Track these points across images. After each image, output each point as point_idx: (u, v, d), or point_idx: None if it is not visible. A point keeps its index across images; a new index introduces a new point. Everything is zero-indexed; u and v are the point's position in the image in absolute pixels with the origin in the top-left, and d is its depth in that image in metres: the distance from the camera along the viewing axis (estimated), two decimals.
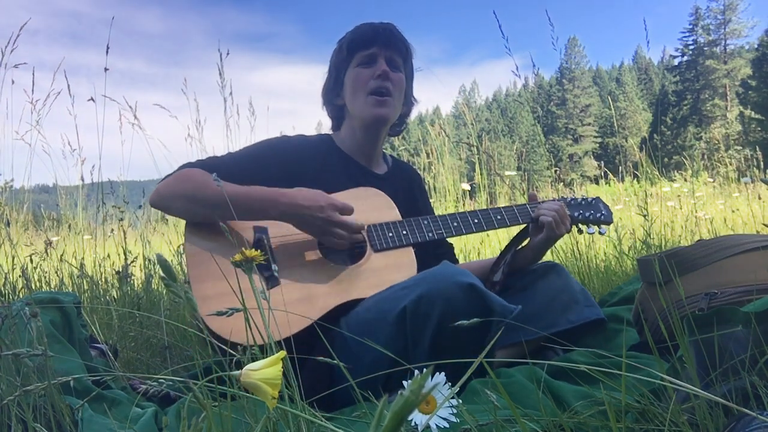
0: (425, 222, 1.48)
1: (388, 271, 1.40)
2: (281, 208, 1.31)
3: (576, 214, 1.62)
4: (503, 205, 1.59)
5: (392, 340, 1.15)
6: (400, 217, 1.48)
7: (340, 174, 1.53)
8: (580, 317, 1.47)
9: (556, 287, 1.51)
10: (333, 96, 1.61)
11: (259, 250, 0.77)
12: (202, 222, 1.38)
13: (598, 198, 1.69)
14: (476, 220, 1.52)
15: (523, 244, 1.59)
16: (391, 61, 1.55)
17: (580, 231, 1.66)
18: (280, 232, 1.40)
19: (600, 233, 1.65)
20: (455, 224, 1.50)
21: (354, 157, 1.60)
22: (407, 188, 1.69)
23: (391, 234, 1.44)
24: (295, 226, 1.35)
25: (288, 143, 1.54)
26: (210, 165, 1.42)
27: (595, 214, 1.63)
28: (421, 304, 1.14)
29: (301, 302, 1.29)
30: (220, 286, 1.25)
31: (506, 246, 1.61)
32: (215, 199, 1.27)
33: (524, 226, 1.59)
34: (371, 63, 1.53)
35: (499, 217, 1.56)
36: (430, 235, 1.46)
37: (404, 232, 1.45)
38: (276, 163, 1.47)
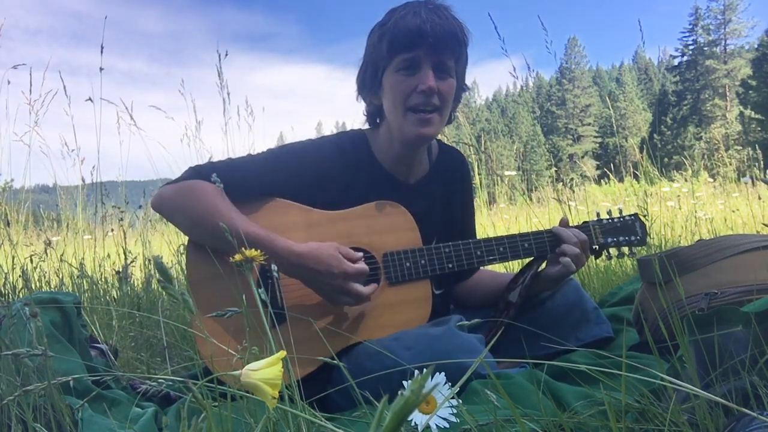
0: (446, 250, 1.38)
1: (400, 308, 1.34)
2: (288, 266, 1.22)
3: (609, 240, 1.51)
4: (533, 231, 1.48)
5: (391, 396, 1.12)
6: (420, 241, 1.39)
7: (369, 190, 1.40)
8: (588, 335, 1.42)
9: (569, 304, 1.45)
10: (369, 93, 1.42)
11: (263, 256, 0.76)
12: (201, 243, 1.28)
13: (635, 216, 1.55)
14: (501, 249, 1.43)
15: (542, 267, 1.49)
16: (440, 66, 1.32)
17: (609, 257, 1.54)
18: None
19: (629, 256, 1.53)
20: (478, 253, 1.41)
21: (388, 167, 1.44)
22: (446, 189, 1.54)
23: (408, 264, 1.35)
24: (303, 283, 1.27)
25: (317, 154, 1.38)
26: (224, 169, 1.29)
27: (629, 238, 1.52)
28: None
29: (308, 342, 1.24)
30: (225, 320, 1.19)
31: (526, 265, 1.50)
32: (220, 231, 1.12)
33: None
34: (414, 70, 1.31)
35: (526, 245, 1.45)
36: (450, 266, 1.38)
37: (422, 262, 1.36)
38: (300, 175, 1.35)
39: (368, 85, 1.40)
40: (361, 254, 1.28)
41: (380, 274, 1.36)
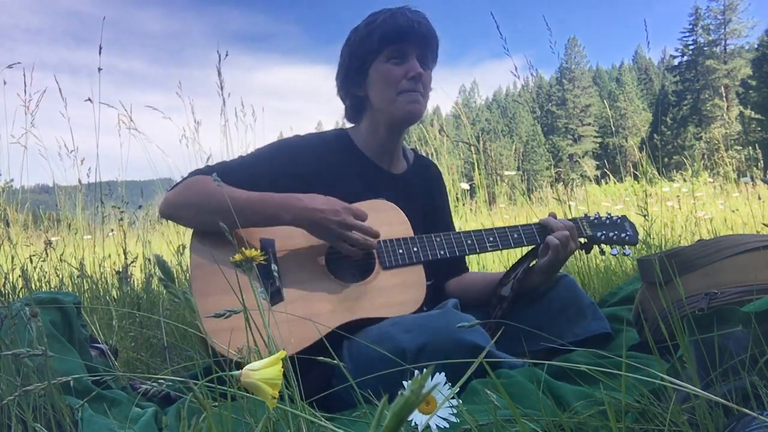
0: (437, 239, 1.43)
1: (396, 290, 1.37)
2: (295, 212, 1.29)
3: (599, 234, 1.55)
4: (521, 224, 1.51)
5: (393, 382, 1.12)
6: (411, 233, 1.44)
7: (357, 180, 1.48)
8: (585, 331, 1.44)
9: (565, 300, 1.47)
10: (353, 86, 1.52)
11: (261, 253, 0.77)
12: (212, 231, 1.31)
13: (624, 217, 1.62)
14: (491, 239, 1.47)
15: (533, 262, 1.51)
16: (423, 58, 1.48)
17: (602, 252, 1.57)
18: (288, 245, 1.35)
19: (624, 254, 1.57)
20: (469, 242, 1.46)
21: (372, 157, 1.54)
22: (426, 188, 1.64)
23: (401, 251, 1.40)
24: (309, 231, 1.32)
25: (303, 148, 1.47)
26: (219, 171, 1.34)
27: (620, 235, 1.55)
28: (422, 355, 1.11)
29: (304, 320, 1.26)
30: (224, 301, 1.23)
31: (518, 260, 1.53)
32: (226, 205, 1.20)
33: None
34: (403, 59, 1.45)
35: (516, 235, 1.49)
36: (442, 253, 1.42)
37: (415, 249, 1.41)
38: (290, 170, 1.42)
39: (352, 77, 1.51)
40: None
41: (375, 260, 1.39)
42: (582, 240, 1.56)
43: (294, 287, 1.31)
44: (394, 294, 1.36)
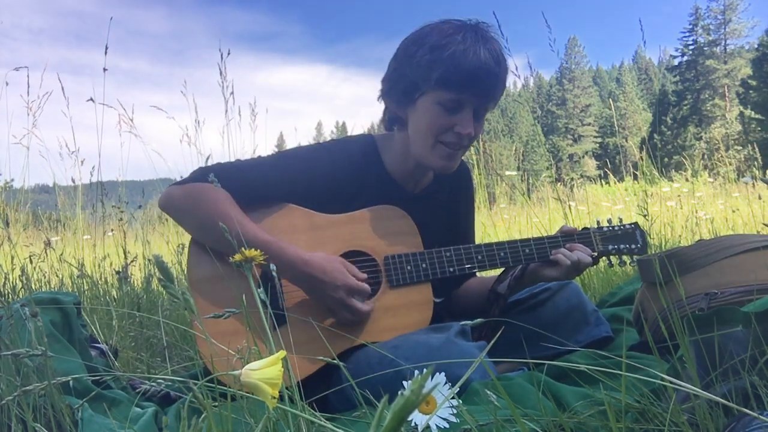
0: (447, 254, 1.39)
1: (402, 311, 1.34)
2: (295, 272, 1.25)
3: (610, 247, 1.50)
4: (534, 237, 1.47)
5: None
6: (421, 245, 1.39)
7: (376, 199, 1.40)
8: (587, 337, 1.43)
9: (568, 306, 1.46)
10: (395, 104, 1.39)
11: (262, 256, 0.76)
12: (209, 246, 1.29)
13: (636, 224, 1.56)
14: (503, 254, 1.43)
15: (532, 266, 1.47)
16: (480, 111, 1.34)
17: (610, 264, 1.54)
18: None
19: (630, 264, 1.54)
20: (479, 257, 1.41)
21: (396, 177, 1.45)
22: (451, 199, 1.55)
23: (409, 267, 1.36)
24: (305, 292, 1.29)
25: (327, 161, 1.38)
26: (232, 171, 1.30)
27: (629, 246, 1.51)
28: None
29: (309, 344, 1.24)
30: (226, 321, 1.22)
31: None
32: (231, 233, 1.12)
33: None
34: (456, 109, 1.30)
35: (527, 250, 1.44)
36: (452, 270, 1.39)
37: (423, 266, 1.37)
38: (307, 180, 1.35)
39: (397, 96, 1.37)
40: (365, 275, 1.30)
41: (381, 277, 1.36)
42: (593, 254, 1.50)
43: (298, 309, 1.29)
44: (399, 316, 1.34)
